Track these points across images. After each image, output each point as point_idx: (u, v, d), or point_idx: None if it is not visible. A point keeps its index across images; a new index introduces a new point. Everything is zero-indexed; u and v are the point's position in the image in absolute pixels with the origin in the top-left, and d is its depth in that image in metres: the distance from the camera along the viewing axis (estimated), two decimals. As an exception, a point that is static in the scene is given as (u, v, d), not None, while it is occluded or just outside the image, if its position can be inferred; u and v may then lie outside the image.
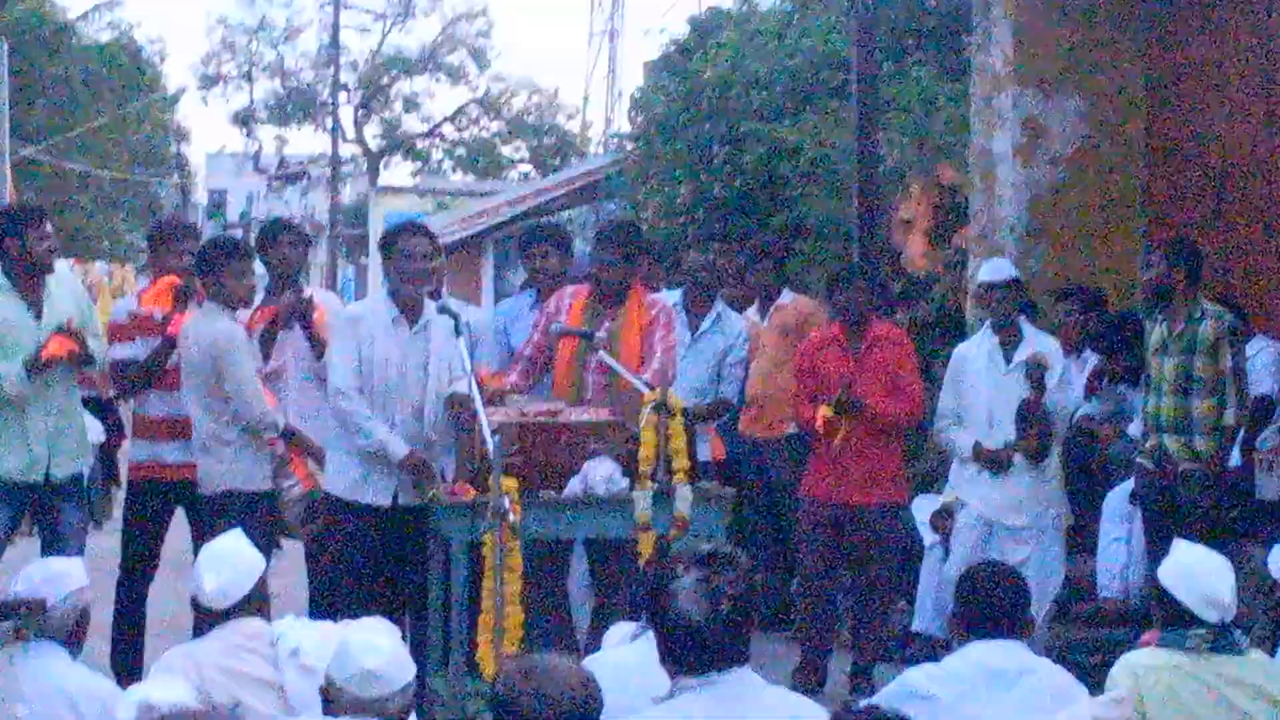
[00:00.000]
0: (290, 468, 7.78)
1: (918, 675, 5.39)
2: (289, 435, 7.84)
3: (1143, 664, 5.25)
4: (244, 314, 7.98)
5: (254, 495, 7.67)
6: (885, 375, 8.49)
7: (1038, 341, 8.57)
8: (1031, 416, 8.31)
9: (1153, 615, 5.50)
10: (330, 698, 4.65)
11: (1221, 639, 5.22)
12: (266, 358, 8.15)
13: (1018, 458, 8.39)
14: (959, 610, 5.45)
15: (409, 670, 4.72)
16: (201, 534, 7.52)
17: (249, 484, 7.68)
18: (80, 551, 7.54)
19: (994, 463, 8.43)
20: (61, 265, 8.76)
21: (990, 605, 5.35)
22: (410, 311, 7.64)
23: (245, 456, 7.68)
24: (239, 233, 53.78)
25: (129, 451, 8.50)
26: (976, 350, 8.68)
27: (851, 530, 8.53)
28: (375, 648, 4.67)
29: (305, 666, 5.28)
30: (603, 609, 7.85)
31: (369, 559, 7.60)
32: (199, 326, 7.73)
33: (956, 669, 5.32)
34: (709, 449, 9.10)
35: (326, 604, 7.72)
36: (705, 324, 9.17)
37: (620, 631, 5.45)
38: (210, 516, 7.60)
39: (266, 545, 7.35)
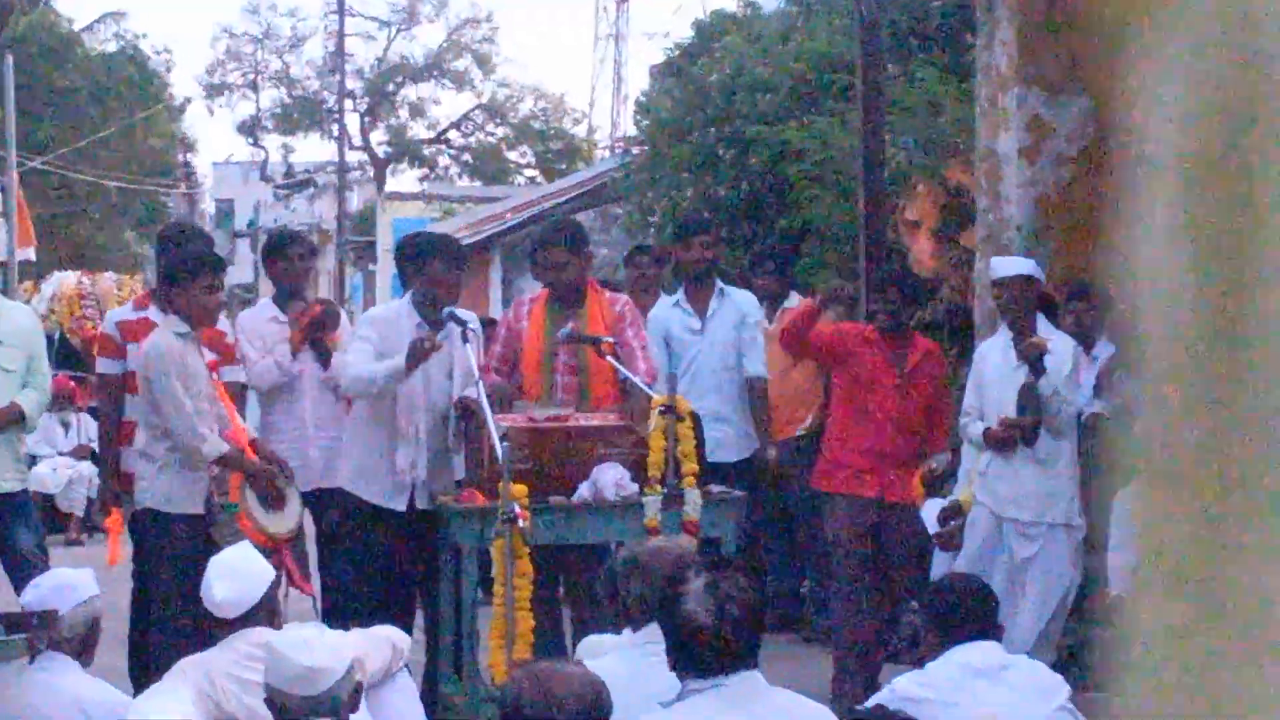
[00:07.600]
0: (238, 523, 7.35)
1: (905, 682, 5.54)
2: (254, 469, 7.45)
3: None
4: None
5: (169, 517, 7.33)
6: (925, 398, 8.41)
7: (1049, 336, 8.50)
8: (1024, 399, 8.27)
9: None
10: (280, 705, 4.60)
11: None
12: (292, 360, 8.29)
13: (1020, 449, 8.34)
14: (931, 621, 5.57)
15: (345, 655, 4.68)
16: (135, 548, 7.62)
17: (166, 505, 7.33)
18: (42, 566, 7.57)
19: (1000, 442, 8.37)
20: (15, 304, 8.82)
21: (964, 612, 5.53)
22: (435, 321, 7.64)
23: (166, 477, 7.33)
24: (246, 242, 53.98)
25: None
26: (992, 348, 8.67)
27: (885, 528, 8.37)
28: (307, 643, 4.62)
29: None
30: (579, 619, 7.78)
31: (385, 564, 7.59)
32: (152, 337, 7.47)
33: (942, 671, 5.45)
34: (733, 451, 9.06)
35: (340, 611, 7.70)
36: (712, 305, 9.16)
37: (594, 644, 5.31)
38: (134, 532, 7.58)
39: (170, 567, 7.23)
